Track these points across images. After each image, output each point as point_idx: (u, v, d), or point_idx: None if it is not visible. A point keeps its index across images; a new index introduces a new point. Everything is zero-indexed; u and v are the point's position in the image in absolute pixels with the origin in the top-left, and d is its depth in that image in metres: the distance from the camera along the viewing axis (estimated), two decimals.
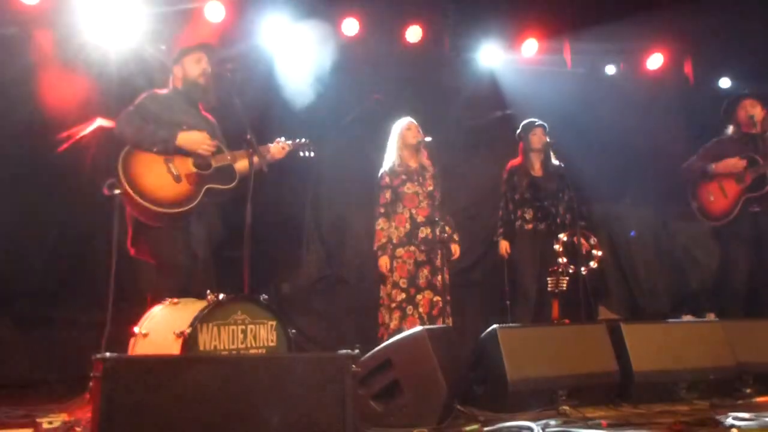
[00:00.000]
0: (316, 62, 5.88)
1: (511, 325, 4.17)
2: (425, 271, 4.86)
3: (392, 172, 5.05)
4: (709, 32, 6.53)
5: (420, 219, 4.93)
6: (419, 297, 4.82)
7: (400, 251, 4.90)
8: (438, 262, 4.78)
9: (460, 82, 6.57)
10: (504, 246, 5.38)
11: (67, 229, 5.18)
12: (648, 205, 6.94)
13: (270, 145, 4.38)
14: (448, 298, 4.77)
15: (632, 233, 6.80)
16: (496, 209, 5.54)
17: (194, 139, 4.01)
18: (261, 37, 5.78)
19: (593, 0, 6.17)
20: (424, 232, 4.90)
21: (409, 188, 4.99)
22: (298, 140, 4.53)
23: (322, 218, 6.18)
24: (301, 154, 4.56)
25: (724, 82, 7.16)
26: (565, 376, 3.88)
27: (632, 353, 4.04)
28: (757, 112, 5.24)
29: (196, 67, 4.24)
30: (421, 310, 4.80)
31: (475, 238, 6.19)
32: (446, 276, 4.81)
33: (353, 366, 2.68)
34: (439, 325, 4.67)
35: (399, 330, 4.71)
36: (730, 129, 5.46)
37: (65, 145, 5.11)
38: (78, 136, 5.14)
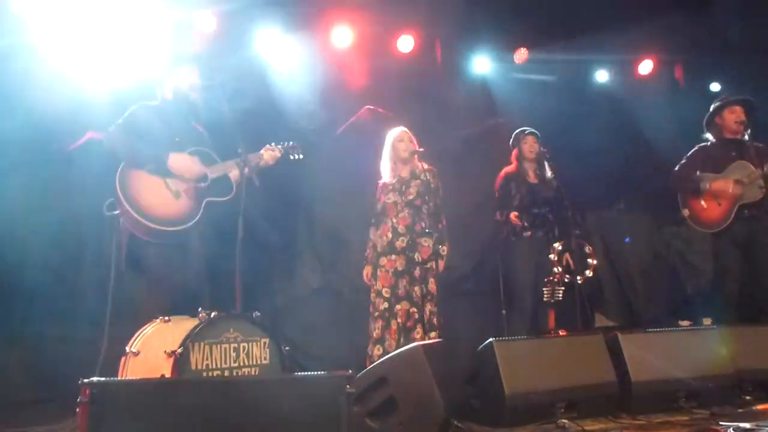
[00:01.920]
0: (308, 72, 5.86)
1: (507, 337, 4.11)
2: (404, 281, 4.83)
3: (384, 184, 5.06)
4: (699, 38, 6.54)
5: (400, 228, 4.90)
6: (398, 307, 4.79)
7: (383, 260, 4.88)
8: (417, 273, 4.76)
9: (452, 90, 6.55)
10: (515, 216, 5.14)
11: (60, 244, 5.12)
12: (641, 211, 6.92)
13: (261, 152, 4.35)
14: (435, 309, 4.76)
15: (627, 240, 6.77)
16: (490, 218, 5.50)
17: (183, 163, 3.98)
18: (253, 47, 5.75)
19: (584, 7, 6.14)
20: (403, 241, 4.87)
21: (390, 198, 4.98)
22: (286, 143, 4.50)
23: (315, 229, 6.13)
24: (291, 157, 4.52)
25: (714, 87, 7.17)
26: (563, 389, 3.83)
27: (630, 363, 4.00)
28: (743, 118, 5.26)
29: (187, 79, 4.21)
30: (399, 320, 4.76)
31: (470, 247, 6.15)
32: (432, 287, 4.79)
33: (347, 386, 2.63)
34: (413, 336, 4.67)
35: (381, 339, 4.71)
36: (712, 135, 5.46)
37: (57, 159, 5.06)
38: (72, 147, 5.09)
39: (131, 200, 3.79)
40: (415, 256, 4.82)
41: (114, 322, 3.80)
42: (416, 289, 4.77)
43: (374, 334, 4.77)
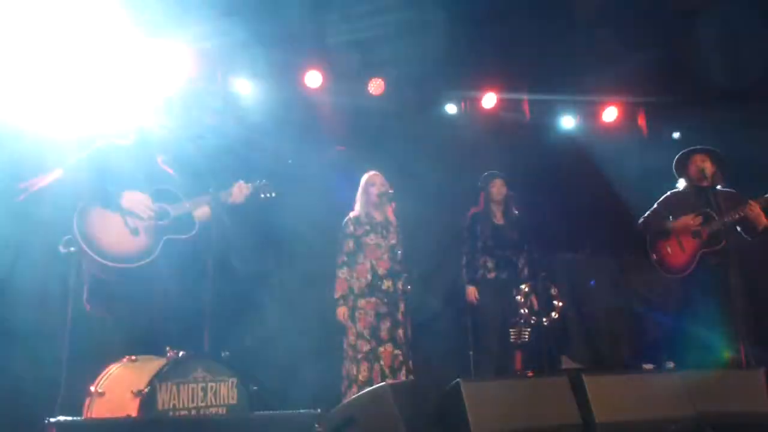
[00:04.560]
0: (280, 114, 5.93)
1: (474, 378, 4.14)
2: (387, 324, 4.84)
3: (357, 222, 5.09)
4: (662, 86, 6.78)
5: (381, 271, 4.94)
6: (381, 349, 4.80)
7: (361, 302, 4.89)
8: (400, 316, 4.79)
9: (422, 133, 6.67)
10: (472, 292, 5.38)
11: (22, 283, 5.04)
12: (607, 254, 7.06)
13: (231, 189, 4.31)
14: (410, 352, 4.76)
15: (592, 282, 6.89)
16: (459, 259, 5.57)
17: (137, 200, 3.95)
18: (225, 88, 5.82)
19: (550, 55, 6.34)
20: (385, 284, 4.90)
21: (371, 239, 5.01)
22: (257, 182, 4.45)
23: (284, 268, 6.13)
24: (262, 195, 4.46)
25: (676, 134, 7.41)
26: (529, 430, 3.86)
27: (594, 405, 4.05)
28: (707, 166, 5.32)
29: (156, 119, 4.22)
30: (383, 362, 4.76)
31: (438, 288, 6.20)
32: (408, 329, 4.81)
33: (316, 425, 2.64)
34: (400, 378, 4.65)
35: (369, 381, 4.69)
36: (682, 182, 5.57)
37: (23, 196, 5.01)
38: (36, 186, 5.05)
39: (87, 237, 3.74)
40: (398, 299, 4.85)
41: (78, 360, 3.73)
42: (399, 332, 4.79)
43: (360, 377, 4.74)
